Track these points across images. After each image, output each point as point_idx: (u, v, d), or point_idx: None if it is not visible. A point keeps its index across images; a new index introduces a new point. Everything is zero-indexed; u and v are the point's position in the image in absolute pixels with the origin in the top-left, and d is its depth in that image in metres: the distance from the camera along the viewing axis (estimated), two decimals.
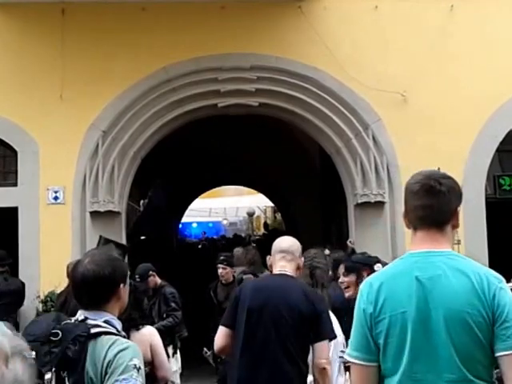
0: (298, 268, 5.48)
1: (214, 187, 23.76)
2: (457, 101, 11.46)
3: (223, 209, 31.73)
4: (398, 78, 11.45)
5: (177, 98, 11.60)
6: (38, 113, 11.23)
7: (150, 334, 5.79)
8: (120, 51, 11.40)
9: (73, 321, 3.58)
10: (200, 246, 24.02)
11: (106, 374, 3.35)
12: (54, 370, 3.45)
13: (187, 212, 24.97)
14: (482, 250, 11.21)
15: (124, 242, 11.35)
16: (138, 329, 6.37)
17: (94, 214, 11.14)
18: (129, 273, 3.80)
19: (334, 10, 11.66)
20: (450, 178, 3.37)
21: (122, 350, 3.38)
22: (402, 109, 11.52)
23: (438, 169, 4.25)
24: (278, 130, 15.24)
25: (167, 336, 8.72)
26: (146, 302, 7.01)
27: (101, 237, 8.33)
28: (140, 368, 3.35)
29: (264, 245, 17.89)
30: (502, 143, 11.70)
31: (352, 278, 5.99)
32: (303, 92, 11.65)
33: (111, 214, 11.24)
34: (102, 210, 11.14)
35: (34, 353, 3.43)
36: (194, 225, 31.49)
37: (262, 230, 30.06)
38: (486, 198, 11.61)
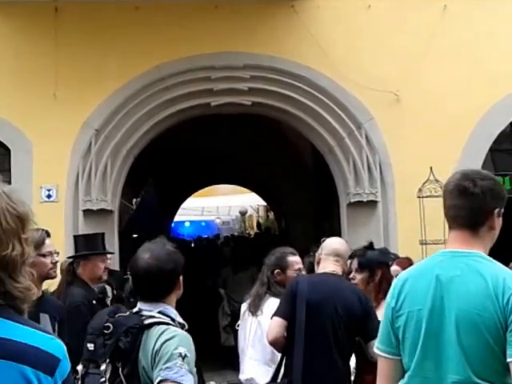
0: (342, 270, 5.66)
1: (207, 186, 23.78)
2: (450, 100, 11.48)
3: (216, 208, 31.74)
4: (391, 77, 11.47)
5: (170, 97, 11.59)
6: (31, 111, 11.21)
7: None
8: (113, 50, 11.40)
9: (127, 313, 3.65)
10: (193, 245, 24.02)
11: (154, 362, 3.41)
12: (108, 361, 3.52)
13: (180, 211, 24.99)
14: None
15: (116, 240, 11.35)
16: None
17: (87, 213, 11.14)
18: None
19: (327, 9, 11.67)
20: (490, 178, 3.40)
21: (169, 339, 3.43)
22: (395, 108, 11.54)
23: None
24: (270, 128, 15.24)
25: None
26: None
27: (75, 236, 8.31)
28: (186, 356, 3.37)
29: (255, 245, 17.94)
30: (495, 143, 11.72)
31: (364, 275, 5.92)
32: (296, 91, 11.66)
33: (104, 213, 11.24)
34: (94, 208, 11.14)
35: (92, 345, 3.65)
36: (187, 224, 31.49)
37: (255, 229, 30.08)
38: None
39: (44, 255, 4.87)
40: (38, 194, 11.15)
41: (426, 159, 11.12)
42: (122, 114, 11.40)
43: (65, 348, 2.06)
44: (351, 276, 6.09)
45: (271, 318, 5.60)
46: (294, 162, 17.05)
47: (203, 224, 33.07)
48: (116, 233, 11.45)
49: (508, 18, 11.78)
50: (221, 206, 31.25)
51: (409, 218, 11.01)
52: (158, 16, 11.50)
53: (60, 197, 11.22)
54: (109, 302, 7.77)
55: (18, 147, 11.31)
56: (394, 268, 7.40)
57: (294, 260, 6.59)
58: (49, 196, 11.17)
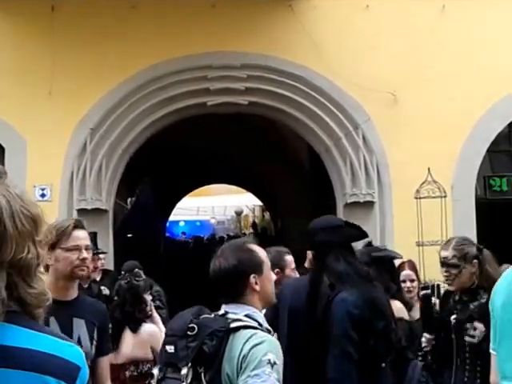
0: None
1: (202, 185, 23.76)
2: (448, 101, 11.47)
3: (211, 207, 31.75)
4: (389, 78, 11.46)
5: (166, 96, 11.57)
6: (25, 109, 11.18)
7: (149, 335, 5.80)
8: (109, 48, 11.37)
9: (212, 315, 3.53)
10: (191, 245, 24.00)
11: (240, 368, 3.28)
12: (190, 365, 3.38)
13: (175, 210, 24.97)
14: None
15: (111, 240, 11.33)
16: (135, 330, 6.36)
17: (82, 212, 11.10)
18: (263, 263, 3.74)
19: (325, 9, 11.65)
20: None
21: (257, 345, 3.30)
22: (392, 108, 11.53)
23: None
24: (267, 128, 15.23)
25: None
26: (150, 298, 6.99)
27: None
28: (275, 363, 3.24)
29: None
30: (492, 144, 11.72)
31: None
32: (293, 91, 11.65)
33: (98, 212, 11.22)
34: (89, 207, 11.12)
35: (173, 347, 3.48)
36: (182, 223, 31.47)
37: (250, 229, 30.07)
38: (476, 199, 11.64)
39: (69, 249, 4.07)
40: (32, 194, 11.11)
41: (423, 160, 11.11)
42: (117, 112, 11.38)
43: (83, 354, 2.05)
44: None
45: None
46: (290, 161, 17.05)
47: (198, 224, 33.06)
48: (111, 232, 11.43)
49: (506, 18, 11.78)
50: (216, 205, 31.26)
51: (406, 219, 11.00)
52: (154, 15, 11.48)
53: (54, 196, 11.19)
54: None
55: (11, 146, 11.29)
56: (407, 272, 7.39)
57: (291, 259, 6.58)
58: (43, 195, 11.15)
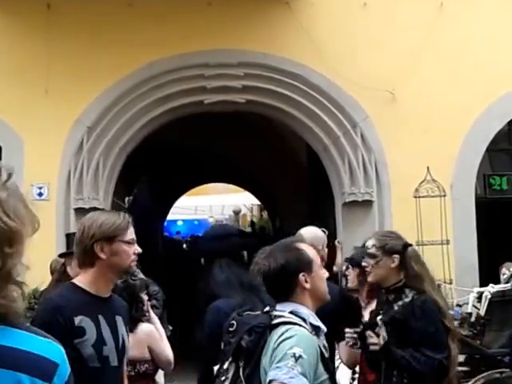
0: (321, 260, 5.47)
1: (200, 184, 23.74)
2: (446, 99, 11.47)
3: (209, 206, 31.68)
4: (387, 76, 11.46)
5: (162, 95, 11.58)
6: (22, 108, 11.18)
7: (146, 334, 5.80)
8: (106, 46, 11.36)
9: (257, 312, 3.58)
10: (185, 245, 23.96)
11: (273, 361, 3.33)
12: (230, 359, 3.47)
13: (173, 209, 24.95)
14: (472, 251, 11.25)
15: None
16: (131, 330, 6.35)
17: (79, 211, 11.10)
18: (312, 261, 3.75)
19: (322, 7, 11.66)
20: None
21: (286, 339, 3.34)
22: (390, 107, 11.54)
23: None
24: (264, 127, 15.23)
25: None
26: (146, 298, 7.00)
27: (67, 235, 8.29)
28: (300, 357, 3.26)
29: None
30: (492, 142, 11.73)
31: (356, 272, 5.89)
32: (291, 89, 11.65)
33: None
34: (86, 206, 11.10)
35: (222, 344, 3.61)
36: (180, 222, 31.44)
37: (249, 229, 30.04)
38: (476, 198, 11.64)
39: (129, 242, 3.94)
40: (29, 192, 11.09)
41: (422, 159, 11.11)
42: (114, 111, 11.39)
43: (63, 351, 2.05)
44: (346, 272, 6.07)
45: None
46: (288, 160, 17.04)
47: (196, 223, 33.00)
48: None
49: (505, 16, 11.78)
50: (214, 204, 31.18)
51: (405, 219, 11.00)
52: (150, 13, 11.48)
53: (51, 195, 11.20)
54: None
55: (8, 144, 11.29)
56: None
57: None
58: (40, 194, 11.15)
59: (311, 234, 5.49)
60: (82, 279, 3.77)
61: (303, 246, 3.75)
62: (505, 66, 11.58)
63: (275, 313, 3.50)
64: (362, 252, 6.00)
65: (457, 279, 10.74)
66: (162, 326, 10.29)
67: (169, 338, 10.43)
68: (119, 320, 3.89)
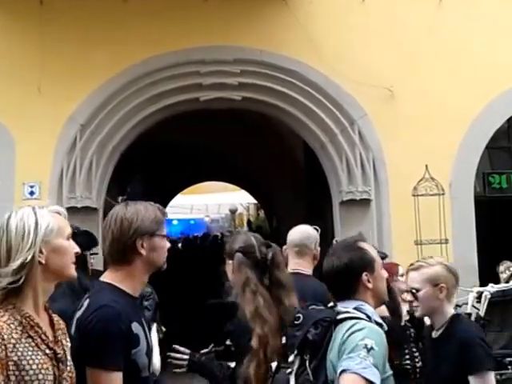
0: (314, 259, 5.45)
1: (196, 183, 23.76)
2: (445, 96, 11.48)
3: (205, 205, 31.69)
4: (385, 73, 11.46)
5: (157, 92, 11.56)
6: (14, 105, 11.16)
7: None
8: (100, 43, 11.34)
9: (321, 307, 3.63)
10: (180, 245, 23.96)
11: (340, 353, 3.36)
12: (296, 352, 3.47)
13: (168, 209, 24.92)
14: (471, 250, 11.25)
15: (101, 239, 11.30)
16: None
17: (71, 210, 11.06)
18: (374, 261, 3.78)
19: (320, 3, 11.65)
20: None
21: (356, 331, 3.38)
22: (389, 104, 11.53)
23: None
24: (261, 124, 15.22)
25: None
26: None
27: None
28: (372, 348, 3.29)
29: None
30: (491, 140, 11.73)
31: None
32: (288, 86, 11.64)
33: (88, 211, 11.20)
34: (79, 205, 11.10)
35: (284, 338, 3.61)
36: (175, 222, 31.43)
37: (245, 228, 30.05)
38: (475, 197, 11.64)
39: (164, 237, 3.66)
40: (21, 191, 11.10)
41: (421, 157, 11.12)
42: (108, 108, 11.36)
43: None
44: None
45: None
46: (285, 159, 17.04)
47: (192, 222, 33.02)
48: (101, 231, 11.39)
49: (504, 13, 11.79)
50: (210, 203, 31.19)
51: (403, 218, 11.01)
52: (145, 9, 11.46)
53: (43, 194, 11.17)
54: None
55: (0, 142, 11.27)
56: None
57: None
58: (32, 193, 11.13)
59: (303, 234, 5.47)
60: (116, 278, 3.49)
61: (366, 246, 3.81)
62: (504, 64, 11.58)
63: (339, 309, 3.55)
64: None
65: None
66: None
67: (162, 339, 10.49)
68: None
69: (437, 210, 10.74)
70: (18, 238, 2.97)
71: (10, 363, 2.72)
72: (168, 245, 3.69)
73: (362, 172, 11.48)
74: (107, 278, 3.54)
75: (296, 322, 3.55)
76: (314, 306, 3.66)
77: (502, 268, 10.64)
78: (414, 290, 4.66)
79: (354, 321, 3.45)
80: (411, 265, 4.88)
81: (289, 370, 3.48)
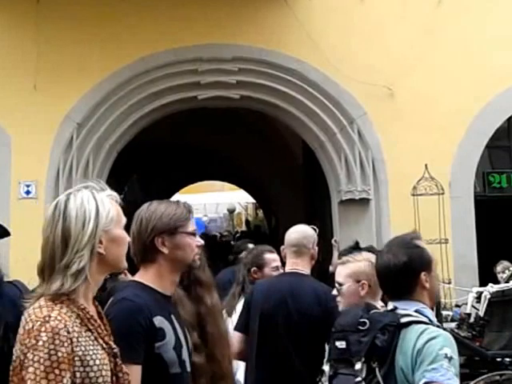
0: (311, 259, 5.45)
1: (194, 182, 23.74)
2: (445, 95, 11.48)
3: (203, 205, 31.66)
4: (385, 71, 11.46)
5: (155, 90, 11.55)
6: (10, 103, 11.15)
7: None
8: (97, 41, 11.34)
9: (381, 310, 3.57)
10: None
11: (415, 363, 3.28)
12: (363, 360, 3.40)
13: None
14: (471, 250, 11.26)
15: None
16: None
17: None
18: (432, 260, 3.70)
19: (319, 2, 11.66)
20: None
21: (432, 339, 3.31)
22: (388, 103, 11.54)
23: None
24: (259, 123, 15.23)
25: None
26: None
27: None
28: (452, 358, 3.25)
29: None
30: (492, 139, 11.74)
31: None
32: (286, 85, 11.64)
33: None
34: None
35: (344, 342, 3.52)
36: None
37: (244, 227, 30.07)
38: (475, 196, 11.65)
39: (191, 234, 3.61)
40: (17, 190, 11.09)
41: (420, 156, 11.12)
42: (104, 107, 11.36)
43: None
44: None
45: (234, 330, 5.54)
46: (283, 157, 17.04)
47: None
48: None
49: (504, 11, 11.80)
50: (208, 203, 31.15)
51: (402, 217, 10.99)
52: (143, 6, 11.45)
53: (39, 193, 11.16)
54: None
55: None
56: None
57: (272, 257, 6.52)
58: (28, 192, 11.12)
59: (301, 234, 5.48)
60: (145, 277, 3.49)
61: (423, 244, 3.73)
62: (504, 63, 11.58)
63: (401, 311, 3.48)
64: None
65: (455, 279, 10.75)
66: None
67: None
68: (180, 321, 3.61)
69: (436, 210, 10.74)
70: (78, 226, 2.72)
71: (75, 358, 2.56)
72: (198, 242, 3.65)
73: (361, 171, 11.48)
74: (137, 276, 3.55)
75: (361, 328, 3.47)
76: (376, 310, 3.59)
77: (499, 268, 10.66)
78: (337, 285, 4.62)
79: (421, 326, 3.39)
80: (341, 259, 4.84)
81: (358, 379, 3.40)
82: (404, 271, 3.54)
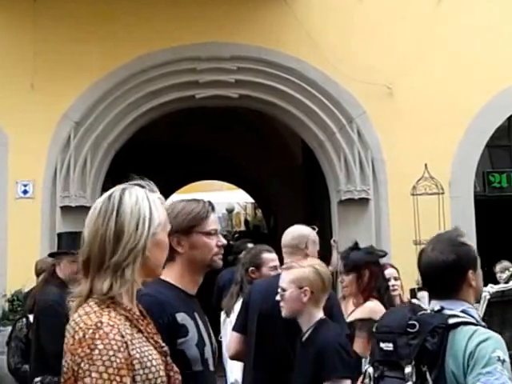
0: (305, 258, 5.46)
1: (192, 182, 23.72)
2: (445, 94, 11.48)
3: None
4: (384, 70, 11.46)
5: (153, 89, 11.55)
6: (7, 102, 11.15)
7: None
8: (94, 39, 11.33)
9: (429, 311, 3.48)
10: None
11: (467, 366, 3.23)
12: (413, 363, 3.33)
13: None
14: None
15: None
16: None
17: (65, 209, 11.08)
18: (477, 258, 3.62)
19: (319, 0, 11.66)
20: None
21: (483, 341, 3.25)
22: (387, 102, 11.54)
23: None
24: (258, 123, 15.22)
25: None
26: None
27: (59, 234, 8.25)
28: (504, 360, 3.20)
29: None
30: (492, 138, 11.74)
31: (352, 277, 5.86)
32: (285, 83, 11.64)
33: (83, 210, 11.14)
34: (73, 204, 11.08)
35: (391, 345, 3.44)
36: None
37: (243, 227, 30.05)
38: (475, 196, 11.65)
39: (209, 234, 3.59)
40: (14, 190, 11.10)
41: (420, 155, 11.12)
42: (102, 106, 11.36)
43: None
44: (339, 279, 6.05)
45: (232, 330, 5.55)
46: (282, 157, 17.04)
47: None
48: None
49: (505, 10, 11.80)
50: None
51: (402, 217, 11.01)
52: (141, 5, 11.46)
53: (37, 192, 11.16)
54: None
55: None
56: (391, 271, 7.40)
57: (270, 257, 6.52)
58: (25, 192, 11.12)
59: (293, 235, 5.49)
60: (168, 274, 3.44)
61: (468, 241, 3.67)
62: (504, 62, 11.59)
63: (447, 311, 3.42)
64: (356, 256, 6.00)
65: None
66: None
67: None
68: (205, 320, 3.57)
69: (436, 210, 10.73)
70: (131, 224, 2.62)
71: (134, 361, 2.48)
72: (220, 242, 3.59)
73: (360, 171, 11.48)
74: (162, 275, 3.55)
75: (411, 330, 3.38)
76: (424, 312, 3.49)
77: (497, 268, 10.65)
78: (280, 290, 4.59)
79: (470, 327, 3.34)
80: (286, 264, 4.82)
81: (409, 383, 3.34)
82: (452, 269, 3.48)
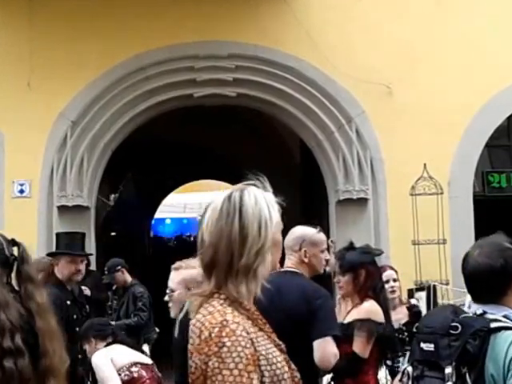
0: (301, 262, 5.49)
1: (190, 181, 23.74)
2: (444, 94, 11.50)
3: (199, 204, 31.60)
4: (384, 70, 11.47)
5: (150, 88, 11.57)
6: (3, 101, 11.16)
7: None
8: (91, 37, 11.34)
9: (471, 314, 3.51)
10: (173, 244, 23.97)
11: (508, 371, 3.25)
12: (453, 364, 3.38)
13: (161, 207, 24.93)
14: None
15: (93, 239, 11.32)
16: None
17: (62, 209, 11.10)
18: None
19: None
20: None
21: None
22: (387, 101, 11.55)
23: None
24: (256, 122, 15.24)
25: (131, 336, 8.69)
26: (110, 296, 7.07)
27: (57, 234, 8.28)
28: None
29: None
30: (491, 138, 11.76)
31: (348, 277, 5.88)
32: (283, 82, 11.66)
33: (80, 209, 11.21)
34: (70, 204, 11.10)
35: (432, 345, 3.48)
36: (168, 221, 31.40)
37: None
38: (474, 196, 11.67)
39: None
40: (10, 189, 11.11)
41: (419, 155, 11.13)
42: (99, 105, 11.37)
43: None
44: (335, 280, 6.08)
45: None
46: (280, 156, 17.04)
47: (185, 221, 32.94)
48: (92, 230, 11.40)
49: (505, 8, 11.82)
50: (204, 202, 30.71)
51: (401, 217, 11.03)
52: (138, 2, 11.47)
53: (33, 192, 11.18)
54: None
55: None
56: (389, 272, 7.43)
57: None
58: (21, 191, 11.13)
59: (289, 236, 5.56)
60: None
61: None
62: (504, 61, 11.60)
63: (490, 316, 3.44)
64: (352, 256, 6.03)
65: (453, 280, 10.72)
66: (147, 332, 10.40)
67: (155, 340, 10.55)
68: None
69: (435, 210, 10.76)
70: (254, 226, 2.67)
71: (260, 357, 2.53)
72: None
73: (359, 170, 11.49)
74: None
75: (453, 332, 3.42)
76: (466, 315, 3.52)
77: None
78: (168, 291, 4.59)
79: (511, 333, 3.35)
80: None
81: None
82: (500, 274, 3.49)
